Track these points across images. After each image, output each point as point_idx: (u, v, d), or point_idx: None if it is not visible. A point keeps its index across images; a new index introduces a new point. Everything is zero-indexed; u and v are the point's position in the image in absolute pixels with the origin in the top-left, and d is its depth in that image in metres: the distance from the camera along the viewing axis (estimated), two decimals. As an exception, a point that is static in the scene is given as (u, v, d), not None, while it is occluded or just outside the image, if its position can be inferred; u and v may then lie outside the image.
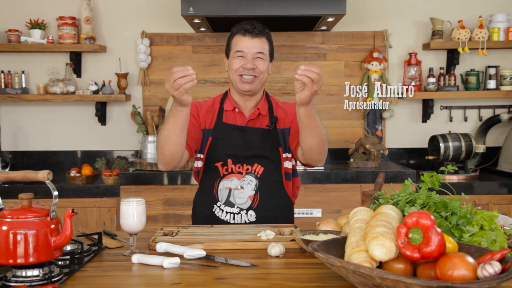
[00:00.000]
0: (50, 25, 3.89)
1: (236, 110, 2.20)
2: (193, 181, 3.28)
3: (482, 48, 3.74)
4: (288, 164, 2.21)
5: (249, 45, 2.11)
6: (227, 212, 2.14)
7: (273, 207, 2.16)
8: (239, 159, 2.15)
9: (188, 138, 2.05)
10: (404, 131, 4.02)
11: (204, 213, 2.19)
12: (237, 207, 2.13)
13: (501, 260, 1.22)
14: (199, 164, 2.22)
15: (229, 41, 2.19)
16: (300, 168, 3.30)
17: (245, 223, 2.13)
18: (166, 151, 1.95)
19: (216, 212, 2.15)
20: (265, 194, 2.14)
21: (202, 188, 2.23)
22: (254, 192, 2.13)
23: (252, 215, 2.13)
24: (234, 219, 2.13)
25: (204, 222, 2.16)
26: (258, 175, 2.14)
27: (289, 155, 2.21)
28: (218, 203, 2.15)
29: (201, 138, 2.18)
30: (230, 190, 2.14)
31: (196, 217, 2.25)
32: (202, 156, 2.20)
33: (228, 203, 2.14)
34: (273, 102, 2.25)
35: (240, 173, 2.14)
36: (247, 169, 2.15)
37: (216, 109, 2.22)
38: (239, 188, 2.13)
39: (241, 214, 2.13)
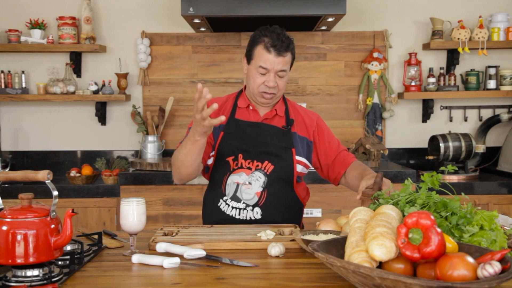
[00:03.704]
0: (50, 25, 3.89)
1: (250, 107, 2.19)
2: (193, 181, 3.28)
3: (482, 48, 3.74)
4: (300, 169, 2.17)
5: (273, 62, 2.07)
6: (233, 207, 2.11)
7: (280, 206, 2.13)
8: (249, 154, 2.12)
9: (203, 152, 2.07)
10: (404, 131, 4.02)
11: (210, 208, 2.17)
12: (244, 203, 2.10)
13: (501, 260, 1.22)
14: (209, 161, 2.19)
15: (251, 47, 2.12)
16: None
17: (250, 219, 2.10)
18: (183, 172, 2.03)
19: (221, 207, 2.13)
20: (273, 192, 2.11)
21: (211, 183, 2.21)
22: (261, 189, 2.11)
23: (258, 212, 2.10)
24: (239, 214, 2.10)
25: (211, 217, 2.14)
26: (268, 173, 2.11)
27: (302, 160, 2.17)
28: (225, 198, 2.12)
29: (213, 137, 2.15)
30: (237, 185, 2.11)
31: (205, 215, 2.23)
32: (213, 153, 2.16)
33: (235, 197, 2.11)
34: (289, 105, 2.23)
35: (249, 168, 2.11)
36: (257, 165, 2.12)
37: (229, 105, 2.20)
38: (247, 183, 2.10)
39: (247, 210, 2.10)
